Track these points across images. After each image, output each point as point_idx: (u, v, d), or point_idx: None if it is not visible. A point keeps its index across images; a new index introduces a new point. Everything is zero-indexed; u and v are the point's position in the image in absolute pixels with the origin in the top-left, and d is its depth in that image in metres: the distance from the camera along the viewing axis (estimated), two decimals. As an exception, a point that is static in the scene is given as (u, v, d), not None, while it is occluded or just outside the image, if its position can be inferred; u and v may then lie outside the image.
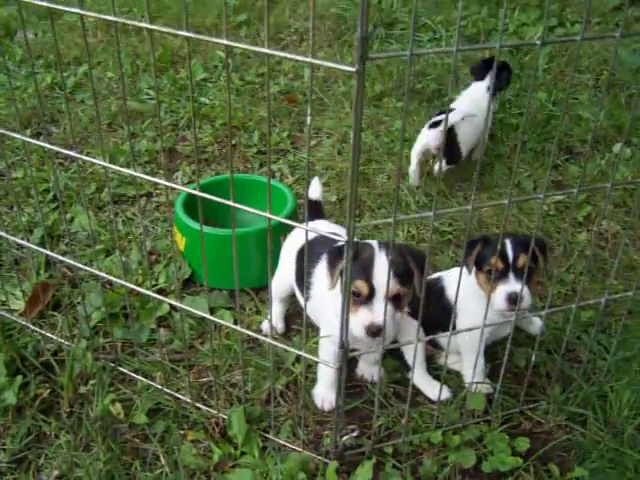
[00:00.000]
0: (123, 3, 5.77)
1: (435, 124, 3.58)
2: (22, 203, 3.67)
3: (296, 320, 2.84)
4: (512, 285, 2.33)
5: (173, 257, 3.14)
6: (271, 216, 1.88)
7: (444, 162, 3.66)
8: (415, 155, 3.67)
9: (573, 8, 5.72)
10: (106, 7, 5.61)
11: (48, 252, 2.46)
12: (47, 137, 4.21)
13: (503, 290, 2.34)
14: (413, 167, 3.69)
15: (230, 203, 1.94)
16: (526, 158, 3.96)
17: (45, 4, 1.90)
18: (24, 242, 2.57)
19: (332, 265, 2.19)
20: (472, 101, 3.81)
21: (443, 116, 3.49)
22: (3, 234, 2.60)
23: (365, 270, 2.12)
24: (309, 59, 1.57)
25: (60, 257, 2.46)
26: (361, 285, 2.12)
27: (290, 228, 2.89)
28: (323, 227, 2.65)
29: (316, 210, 2.87)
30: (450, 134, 3.57)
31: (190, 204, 3.17)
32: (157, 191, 3.75)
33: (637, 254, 3.39)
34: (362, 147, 3.95)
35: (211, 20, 5.40)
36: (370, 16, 5.36)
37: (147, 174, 3.79)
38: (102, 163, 2.13)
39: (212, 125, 4.23)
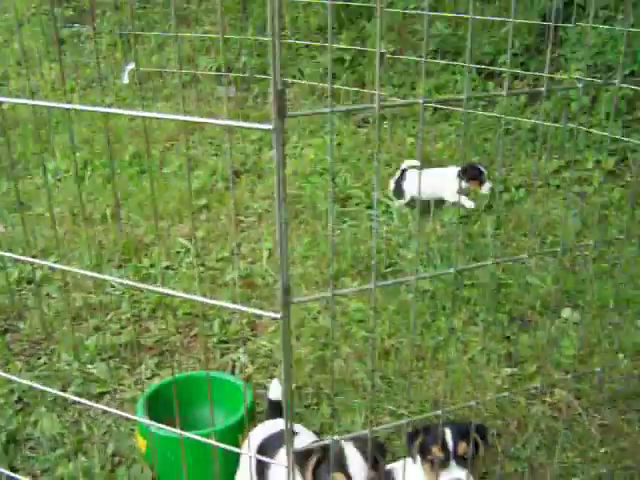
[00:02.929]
0: (90, 192, 6.01)
1: None
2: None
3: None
4: (454, 472, 2.44)
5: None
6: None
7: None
8: None
9: (517, 172, 6.03)
10: (72, 198, 5.82)
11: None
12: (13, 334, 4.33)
13: (446, 477, 2.45)
14: None
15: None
16: (478, 330, 4.09)
17: None
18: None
19: (303, 464, 2.31)
20: None
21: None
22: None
23: (340, 462, 2.31)
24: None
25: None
26: (340, 477, 2.29)
27: (249, 427, 2.99)
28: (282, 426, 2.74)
29: (276, 409, 2.99)
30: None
31: (153, 403, 3.23)
32: (121, 387, 3.81)
33: (591, 424, 3.47)
34: (319, 331, 4.07)
35: (173, 205, 5.62)
36: (325, 193, 5.63)
37: (110, 369, 3.92)
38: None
39: (174, 315, 4.35)
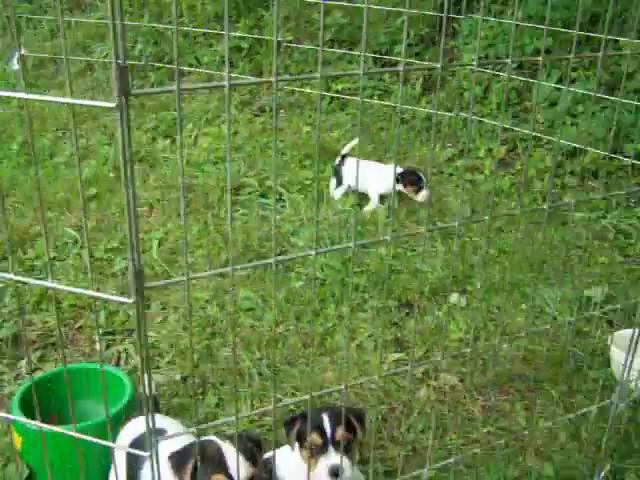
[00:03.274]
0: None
1: None
2: None
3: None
4: (332, 458, 2.45)
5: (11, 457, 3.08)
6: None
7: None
8: None
9: (411, 160, 6.10)
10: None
11: None
12: None
13: (324, 463, 2.46)
14: None
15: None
16: (366, 317, 4.11)
17: None
18: None
19: (180, 468, 2.24)
20: None
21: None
22: None
23: (219, 463, 2.21)
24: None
25: None
26: (221, 478, 2.19)
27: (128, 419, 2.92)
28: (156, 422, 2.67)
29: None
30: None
31: (30, 399, 3.12)
32: (0, 383, 3.68)
33: (474, 405, 3.53)
34: (207, 320, 4.02)
35: (62, 195, 5.46)
36: (217, 182, 5.57)
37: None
38: None
39: (59, 307, 4.21)
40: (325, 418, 2.50)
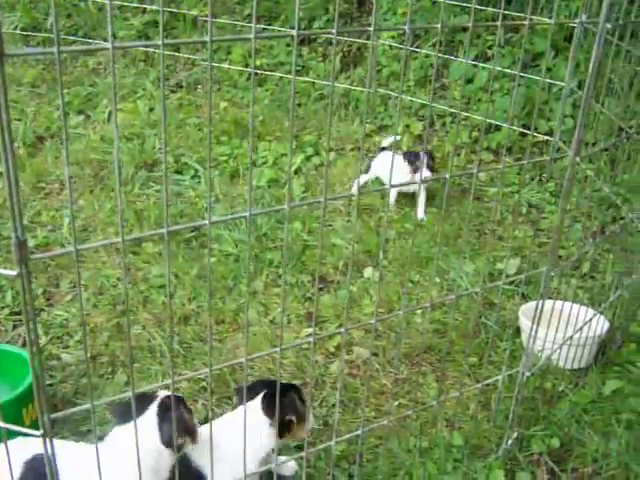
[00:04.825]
0: None
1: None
2: None
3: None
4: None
5: None
6: None
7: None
8: None
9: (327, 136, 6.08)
10: None
11: None
12: None
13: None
14: None
15: None
16: (280, 292, 4.09)
17: None
18: None
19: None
20: None
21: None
22: None
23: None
24: None
25: None
26: None
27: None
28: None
29: None
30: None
31: None
32: None
33: (386, 378, 3.56)
34: (117, 298, 3.94)
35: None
36: (133, 158, 5.45)
37: None
38: None
39: (-38, 287, 4.07)
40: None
